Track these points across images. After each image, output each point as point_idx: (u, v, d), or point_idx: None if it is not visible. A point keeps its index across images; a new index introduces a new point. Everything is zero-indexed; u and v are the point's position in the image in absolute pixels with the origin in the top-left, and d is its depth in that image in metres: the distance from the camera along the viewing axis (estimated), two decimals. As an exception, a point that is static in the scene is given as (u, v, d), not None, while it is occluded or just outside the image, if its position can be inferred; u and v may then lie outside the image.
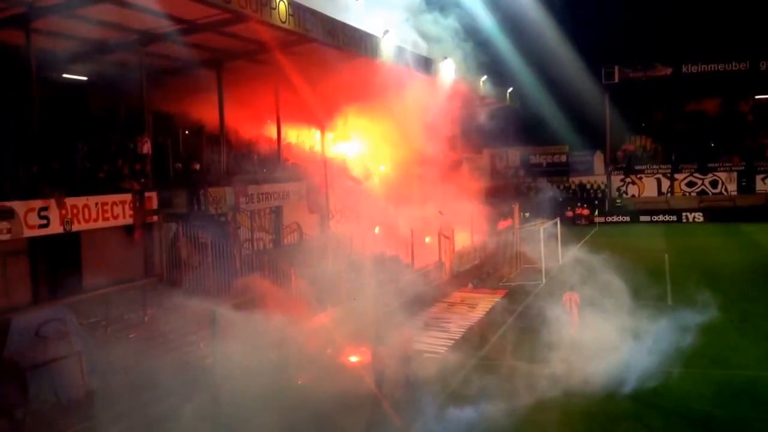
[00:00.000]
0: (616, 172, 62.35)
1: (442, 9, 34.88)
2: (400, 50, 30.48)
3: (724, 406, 17.02)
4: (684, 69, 61.73)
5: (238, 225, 22.79)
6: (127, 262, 19.83)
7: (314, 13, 24.00)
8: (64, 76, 22.62)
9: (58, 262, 18.78)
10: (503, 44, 44.97)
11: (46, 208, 17.51)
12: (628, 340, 20.29)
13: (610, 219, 58.11)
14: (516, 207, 44.08)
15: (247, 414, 16.94)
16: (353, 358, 21.12)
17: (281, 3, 22.28)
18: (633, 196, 61.50)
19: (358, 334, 21.55)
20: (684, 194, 60.10)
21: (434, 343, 22.74)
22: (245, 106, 26.77)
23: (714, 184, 59.45)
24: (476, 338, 23.71)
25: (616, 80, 62.75)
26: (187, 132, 22.92)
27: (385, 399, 17.33)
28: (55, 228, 17.77)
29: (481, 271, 34.32)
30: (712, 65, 61.20)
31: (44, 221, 17.49)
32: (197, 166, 23.10)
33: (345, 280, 23.15)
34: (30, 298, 18.12)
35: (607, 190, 61.80)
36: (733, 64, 60.67)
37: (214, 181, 22.26)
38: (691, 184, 60.08)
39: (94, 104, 19.35)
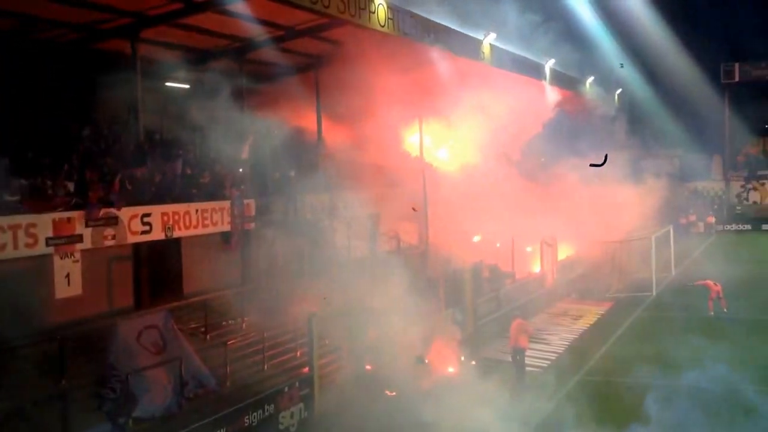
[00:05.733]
0: (735, 178, 58.71)
1: (550, 9, 33.84)
2: (502, 52, 29.66)
3: None
4: (812, 66, 57.71)
5: (335, 232, 22.63)
6: (225, 269, 19.99)
7: (413, 15, 23.61)
8: (167, 84, 23.24)
9: (159, 268, 19.12)
10: (612, 43, 43.29)
11: (149, 215, 17.82)
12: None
13: (728, 227, 54.85)
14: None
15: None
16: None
17: (380, 7, 22.00)
18: (755, 202, 57.78)
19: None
20: (812, 202, 56.06)
21: (536, 356, 21.84)
22: (342, 112, 26.64)
23: None
24: (579, 352, 22.66)
25: (737, 79, 59.15)
26: (283, 138, 22.99)
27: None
28: (158, 234, 18.07)
29: (586, 282, 32.91)
30: (843, 62, 57.02)
31: (147, 227, 17.81)
32: (294, 173, 23.08)
33: (442, 289, 22.57)
34: (133, 303, 18.49)
35: (725, 196, 58.35)
36: None
37: (311, 187, 22.19)
38: (820, 191, 55.98)
39: (195, 111, 19.67)
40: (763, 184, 57.73)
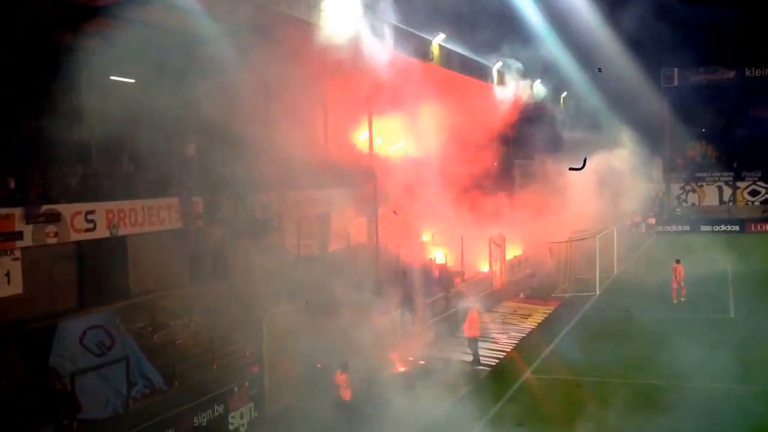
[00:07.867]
0: (675, 180, 60.30)
1: (498, 14, 34.11)
2: (451, 53, 29.84)
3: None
4: (748, 72, 59.61)
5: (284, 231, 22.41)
6: (173, 267, 19.61)
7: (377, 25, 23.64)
8: (112, 78, 22.60)
9: (104, 267, 18.66)
10: (558, 48, 43.87)
11: (93, 212, 17.35)
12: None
13: (668, 228, 56.18)
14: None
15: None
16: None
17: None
18: (693, 204, 59.43)
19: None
20: (747, 203, 57.86)
21: (484, 355, 22.01)
22: (292, 110, 26.40)
23: (779, 193, 57.21)
24: (528, 351, 22.92)
25: (676, 83, 60.85)
26: (234, 136, 22.61)
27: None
28: (102, 232, 17.61)
29: (533, 281, 33.38)
30: (777, 69, 59.15)
31: (91, 225, 17.33)
32: (242, 171, 22.72)
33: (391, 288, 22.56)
34: (76, 302, 17.99)
35: (665, 198, 59.83)
36: (801, 67, 58.61)
37: (260, 186, 21.88)
38: (754, 193, 57.87)
39: (141, 106, 19.13)
40: (701, 186, 59.49)
